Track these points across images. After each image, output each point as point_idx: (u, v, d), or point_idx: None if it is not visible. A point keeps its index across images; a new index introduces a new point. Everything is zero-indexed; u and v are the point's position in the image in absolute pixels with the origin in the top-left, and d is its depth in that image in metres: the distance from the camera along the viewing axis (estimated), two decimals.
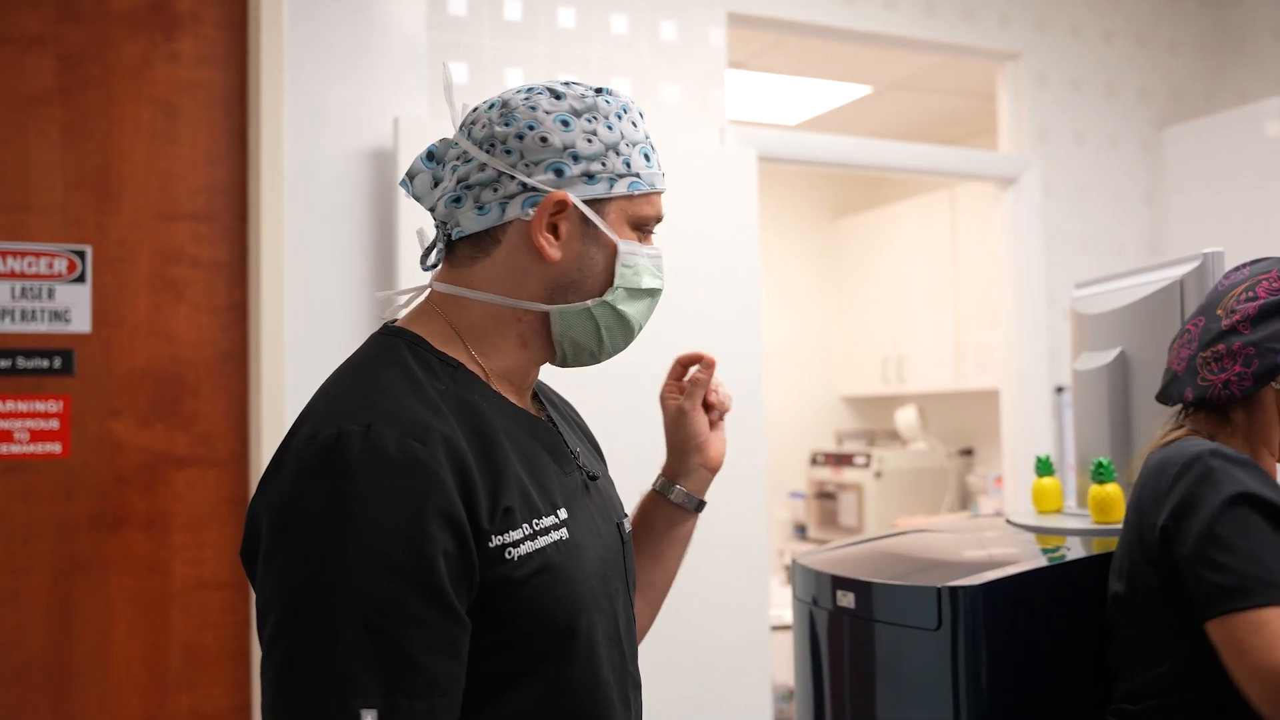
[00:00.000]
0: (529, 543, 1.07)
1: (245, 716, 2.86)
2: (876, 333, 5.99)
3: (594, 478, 1.25)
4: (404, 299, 1.24)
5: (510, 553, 1.05)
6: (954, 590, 1.68)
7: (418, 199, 1.22)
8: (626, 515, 1.33)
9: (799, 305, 6.31)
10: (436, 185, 1.20)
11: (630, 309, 1.19)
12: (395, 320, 1.21)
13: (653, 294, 1.22)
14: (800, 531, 5.97)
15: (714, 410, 1.43)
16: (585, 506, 1.20)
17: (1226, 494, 1.42)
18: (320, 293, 2.96)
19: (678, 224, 3.20)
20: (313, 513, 0.99)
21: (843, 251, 6.34)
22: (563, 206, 1.14)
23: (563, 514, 1.13)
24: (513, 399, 1.19)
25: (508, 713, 1.07)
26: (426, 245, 1.23)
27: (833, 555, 1.99)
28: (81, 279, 2.76)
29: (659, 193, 1.21)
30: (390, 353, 1.14)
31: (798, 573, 1.96)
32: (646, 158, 1.19)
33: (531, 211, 1.13)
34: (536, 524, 1.09)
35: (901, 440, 5.85)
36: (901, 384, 5.79)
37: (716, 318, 3.22)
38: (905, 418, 5.75)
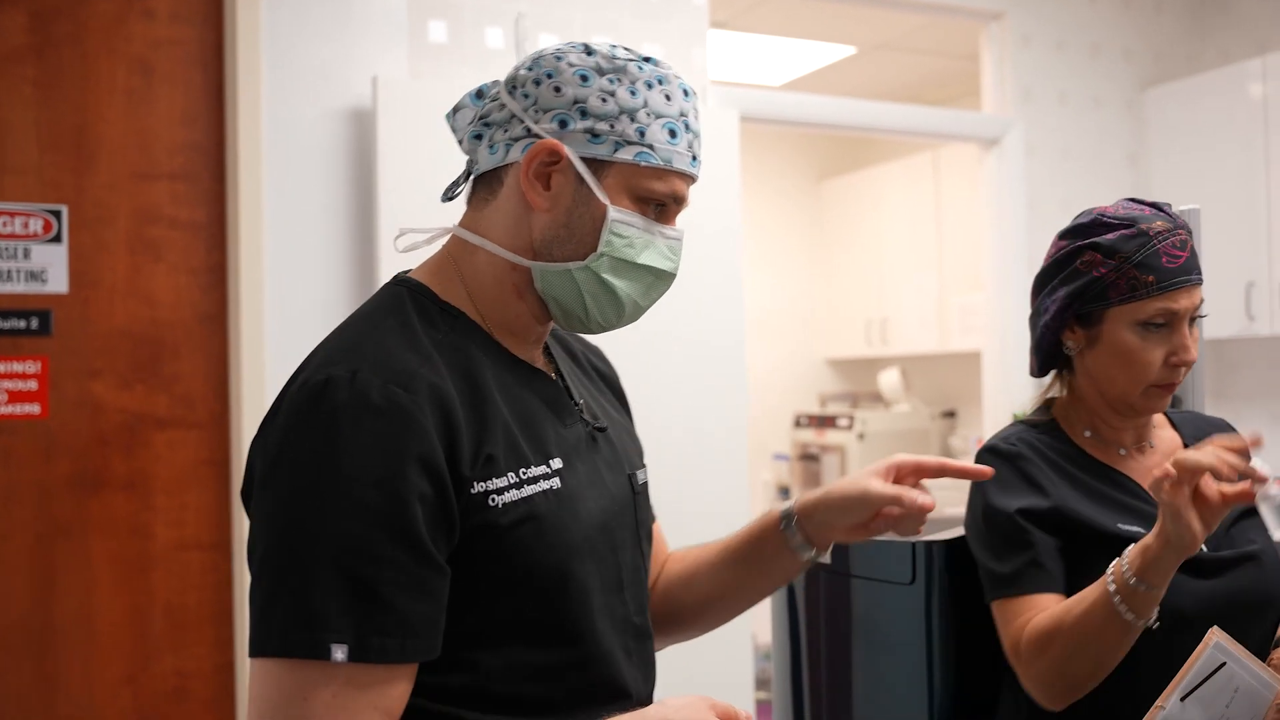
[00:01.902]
0: (513, 491, 1.08)
1: (228, 676, 2.87)
2: (860, 295, 5.99)
3: (600, 429, 1.24)
4: (424, 239, 1.23)
5: (494, 500, 1.06)
6: (928, 545, 1.69)
7: (454, 131, 1.22)
8: (643, 466, 1.32)
9: (783, 267, 6.30)
10: (472, 122, 1.20)
11: (619, 282, 1.16)
12: (408, 271, 1.22)
13: (654, 273, 1.17)
14: (784, 493, 5.99)
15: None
16: (588, 458, 1.19)
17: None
18: (300, 253, 2.95)
19: None
20: (297, 456, 1.02)
21: (827, 213, 6.33)
22: (556, 157, 1.12)
23: (556, 464, 1.13)
24: (514, 350, 1.19)
25: (501, 660, 1.09)
26: (453, 182, 1.24)
27: None
28: (58, 239, 2.74)
29: (678, 173, 1.15)
30: (393, 302, 1.15)
31: None
32: (672, 134, 1.14)
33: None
34: (524, 473, 1.09)
35: (885, 402, 5.86)
36: (885, 346, 5.80)
37: (699, 279, 3.21)
38: (888, 380, 5.76)
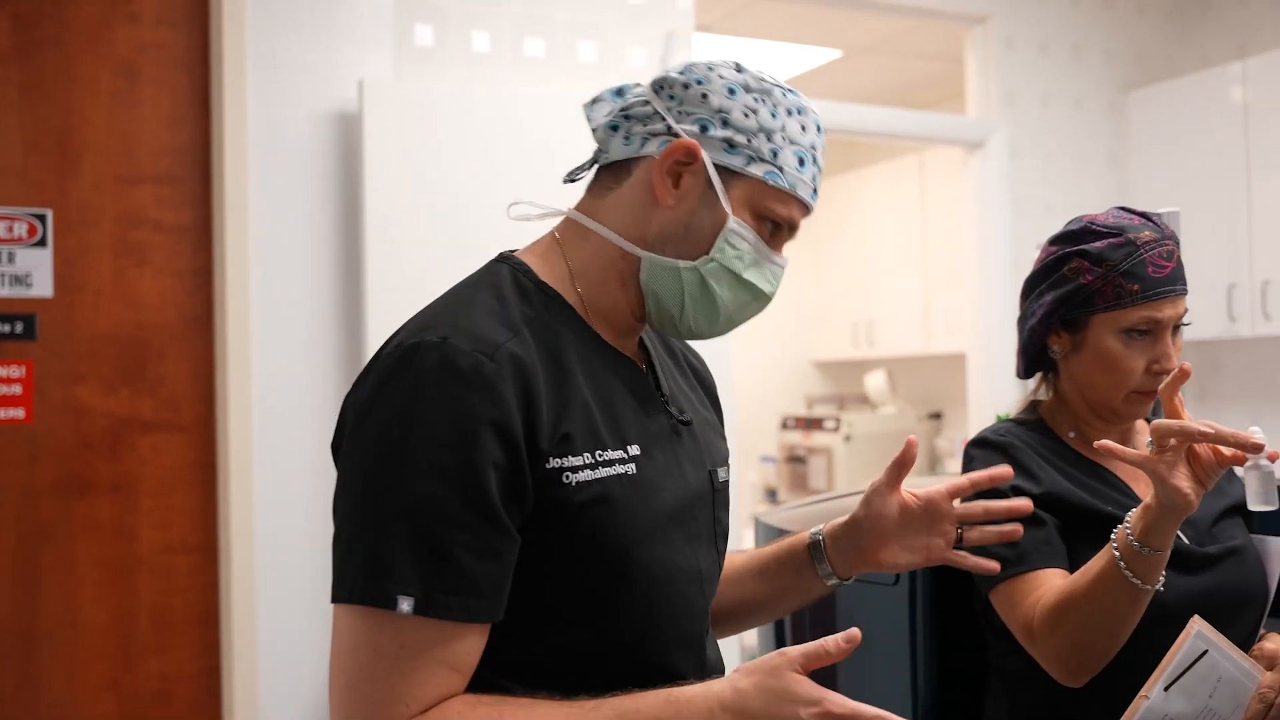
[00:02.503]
0: (588, 471, 1.10)
1: (213, 680, 2.86)
2: (846, 297, 6.01)
3: (685, 422, 1.26)
4: (538, 213, 1.26)
5: (568, 477, 1.08)
6: None
7: (590, 120, 1.24)
8: (727, 465, 1.33)
9: None
10: (610, 116, 1.23)
11: (721, 290, 1.18)
12: (513, 250, 1.24)
13: (754, 291, 1.20)
14: (771, 495, 6.00)
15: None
16: (669, 449, 1.21)
17: None
18: (285, 256, 2.94)
19: None
20: (382, 415, 1.05)
21: (814, 216, 6.28)
22: (692, 158, 1.15)
23: (634, 450, 1.15)
24: (607, 337, 1.21)
25: (567, 638, 1.11)
26: (578, 166, 1.26)
27: (795, 513, 2.01)
28: (43, 243, 2.73)
29: (798, 200, 1.19)
30: (491, 277, 1.18)
31: (760, 531, 1.98)
32: (800, 162, 1.18)
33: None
34: (600, 455, 1.11)
35: (871, 404, 5.88)
36: (871, 348, 5.82)
37: None
38: (874, 382, 5.78)
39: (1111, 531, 1.39)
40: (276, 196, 2.93)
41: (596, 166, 1.23)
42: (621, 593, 1.12)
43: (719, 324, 1.21)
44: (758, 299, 1.21)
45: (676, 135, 1.15)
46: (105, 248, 2.80)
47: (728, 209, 1.16)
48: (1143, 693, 1.33)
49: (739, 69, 1.18)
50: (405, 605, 1.00)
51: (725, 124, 1.15)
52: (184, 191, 2.89)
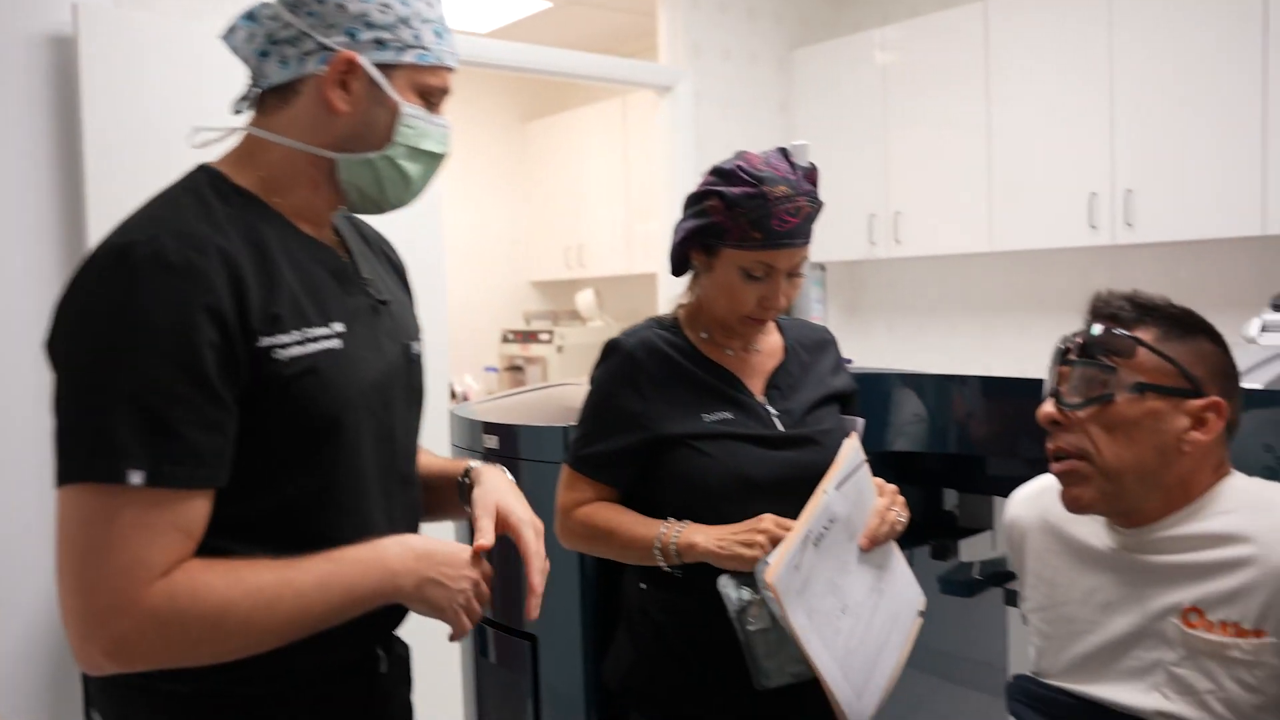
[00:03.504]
0: (297, 347, 1.12)
1: None
2: (560, 224, 6.10)
3: (384, 302, 1.29)
4: (217, 136, 1.24)
5: (278, 353, 1.10)
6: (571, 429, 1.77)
7: (234, 50, 1.21)
8: (419, 339, 1.36)
9: (492, 200, 6.32)
10: (252, 41, 1.20)
11: (410, 166, 1.22)
12: (209, 162, 1.22)
13: (434, 157, 1.24)
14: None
15: None
16: (370, 325, 1.24)
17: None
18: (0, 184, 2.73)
19: None
20: (101, 308, 1.04)
21: (531, 151, 6.38)
22: (352, 66, 1.16)
23: (338, 327, 1.17)
24: (306, 230, 1.22)
25: (282, 496, 1.14)
26: (241, 94, 1.23)
27: (484, 406, 2.07)
28: None
29: (447, 68, 1.22)
30: (190, 183, 1.17)
31: (454, 422, 2.03)
32: (439, 35, 1.21)
33: (324, 68, 1.15)
34: (307, 332, 1.14)
35: (581, 319, 6.03)
36: (581, 269, 5.95)
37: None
38: (584, 299, 5.92)
39: (704, 435, 1.54)
40: None
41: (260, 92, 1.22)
42: (329, 453, 1.16)
43: (412, 192, 1.26)
44: (437, 160, 1.26)
45: (330, 49, 1.16)
46: None
47: (397, 98, 1.18)
48: (821, 487, 1.43)
49: None
50: (136, 478, 1.00)
51: (369, 25, 1.16)
52: None
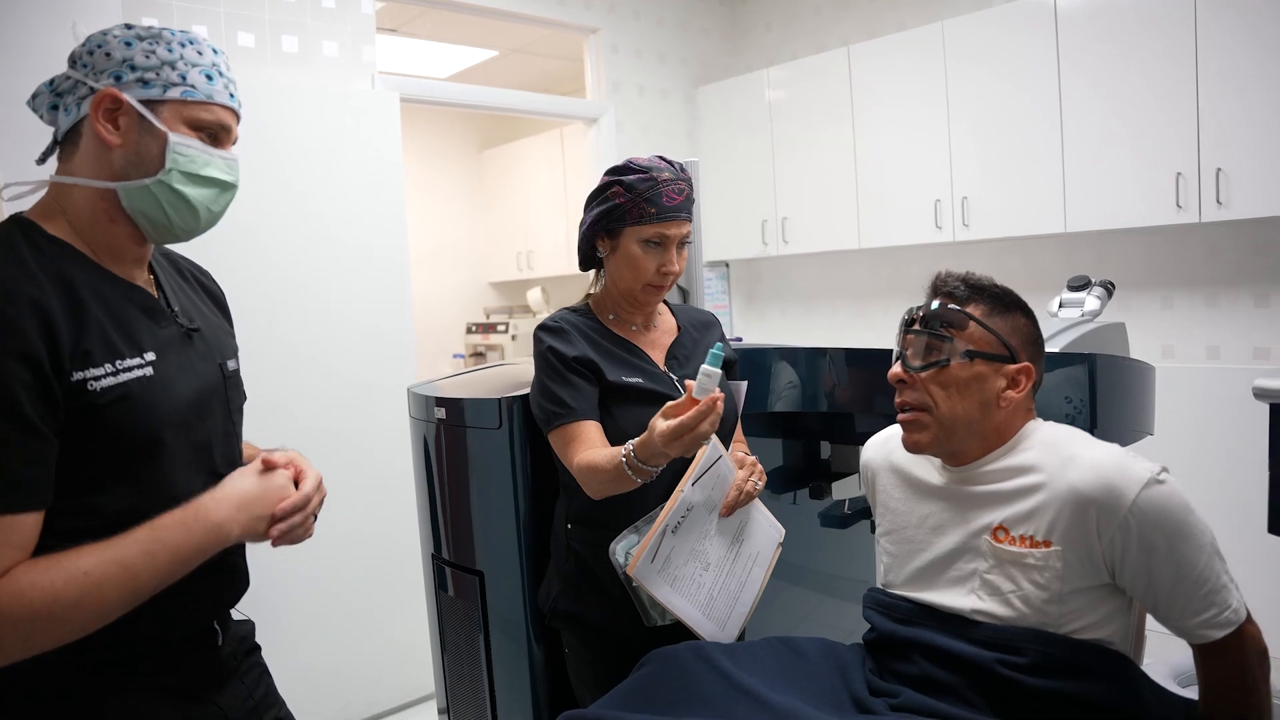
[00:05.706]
0: (110, 378, 1.05)
1: None
2: (512, 233, 6.02)
3: (195, 329, 1.21)
4: (28, 189, 1.14)
5: (92, 385, 1.03)
6: (510, 400, 1.75)
7: (35, 111, 1.13)
8: (235, 357, 1.29)
9: (455, 215, 6.22)
10: (47, 99, 1.13)
11: (191, 191, 1.12)
12: (23, 212, 1.12)
13: (219, 184, 1.15)
14: None
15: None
16: (183, 352, 1.16)
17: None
18: None
19: (335, 153, 3.06)
20: None
21: (487, 174, 6.28)
22: (116, 101, 1.08)
23: (149, 356, 1.10)
24: (116, 270, 1.13)
25: (108, 506, 1.06)
26: (44, 150, 1.15)
27: (437, 383, 2.02)
28: None
29: (220, 105, 1.13)
30: (2, 234, 1.07)
31: (410, 399, 1.98)
32: (209, 78, 1.13)
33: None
34: (119, 364, 1.06)
35: (531, 312, 5.96)
36: (531, 271, 5.88)
37: (365, 225, 3.12)
38: (534, 295, 5.85)
39: (625, 390, 1.50)
40: None
41: (59, 144, 1.14)
42: (149, 467, 1.09)
43: (202, 218, 1.15)
44: (225, 189, 1.17)
45: (96, 89, 1.09)
46: None
47: (164, 129, 1.10)
48: (680, 485, 1.41)
49: (129, 27, 1.12)
50: None
51: (133, 68, 1.09)
52: None
